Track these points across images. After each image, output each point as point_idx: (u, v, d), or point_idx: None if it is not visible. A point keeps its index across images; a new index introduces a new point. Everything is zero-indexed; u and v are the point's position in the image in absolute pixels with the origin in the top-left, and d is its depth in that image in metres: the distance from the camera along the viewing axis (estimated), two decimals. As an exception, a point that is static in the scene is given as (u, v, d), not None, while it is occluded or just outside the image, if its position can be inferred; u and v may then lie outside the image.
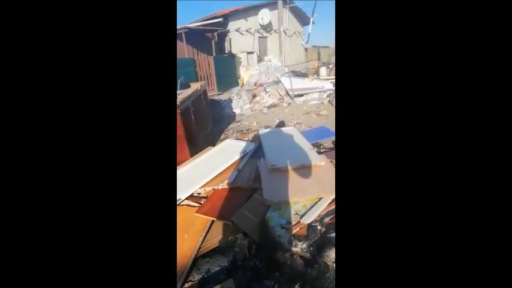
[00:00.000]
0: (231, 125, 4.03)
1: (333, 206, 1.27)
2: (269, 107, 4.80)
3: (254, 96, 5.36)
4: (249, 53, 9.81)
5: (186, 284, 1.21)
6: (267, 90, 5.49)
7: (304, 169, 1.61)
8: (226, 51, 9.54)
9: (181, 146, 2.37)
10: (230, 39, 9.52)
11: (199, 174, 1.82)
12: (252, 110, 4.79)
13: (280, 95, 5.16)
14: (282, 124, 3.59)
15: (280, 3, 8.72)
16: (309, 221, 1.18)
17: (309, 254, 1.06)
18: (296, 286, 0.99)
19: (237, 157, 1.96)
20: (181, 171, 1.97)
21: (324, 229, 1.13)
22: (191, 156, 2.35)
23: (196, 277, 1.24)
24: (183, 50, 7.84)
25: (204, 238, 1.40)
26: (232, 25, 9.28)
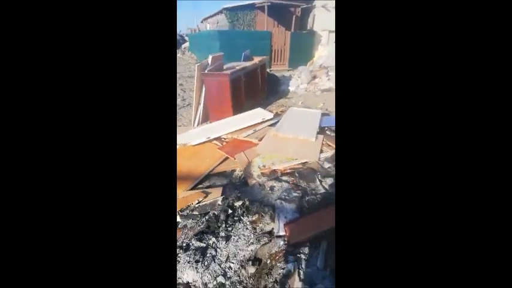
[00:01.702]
0: (280, 100, 4.56)
1: (297, 166, 1.77)
2: (323, 91, 4.99)
3: (314, 77, 5.55)
4: (331, 31, 9.38)
5: (200, 186, 2.02)
6: (329, 73, 5.56)
7: (297, 140, 2.09)
8: (308, 28, 9.44)
9: (227, 106, 3.15)
10: (314, 15, 9.28)
11: (229, 126, 2.56)
12: (306, 91, 5.10)
13: (339, 81, 5.18)
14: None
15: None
16: (274, 168, 1.75)
17: (263, 184, 1.66)
18: (246, 199, 1.63)
19: (259, 121, 2.58)
20: (221, 122, 2.77)
21: (280, 174, 1.69)
22: (233, 115, 3.10)
23: (205, 184, 2.04)
24: (264, 22, 8.35)
25: (218, 165, 2.17)
26: (319, 1, 8.96)
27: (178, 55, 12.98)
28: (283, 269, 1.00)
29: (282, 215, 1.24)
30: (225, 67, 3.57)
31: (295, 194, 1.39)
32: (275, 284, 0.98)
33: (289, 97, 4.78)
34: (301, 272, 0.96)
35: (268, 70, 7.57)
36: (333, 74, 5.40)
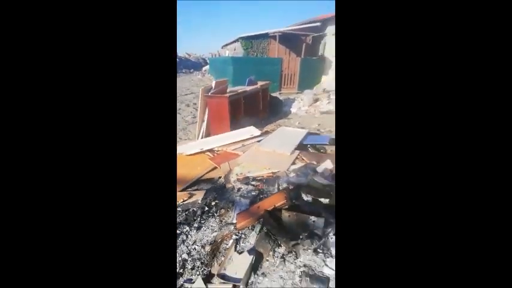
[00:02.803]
0: (280, 121, 4.94)
1: (268, 175, 2.08)
2: (322, 113, 5.30)
3: (316, 100, 5.91)
4: (340, 57, 9.86)
5: (189, 189, 2.39)
6: (331, 97, 5.89)
7: (275, 154, 2.42)
8: (319, 54, 10.03)
9: (225, 122, 3.59)
10: (325, 42, 9.91)
11: (222, 140, 2.96)
12: (306, 112, 5.45)
13: (339, 104, 5.48)
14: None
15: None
16: (248, 175, 2.08)
17: (237, 187, 1.99)
18: (222, 200, 1.96)
19: (247, 137, 2.96)
20: (216, 137, 3.19)
21: (252, 180, 2.01)
22: (230, 131, 3.52)
23: (194, 188, 2.41)
24: (275, 49, 9.08)
25: (207, 172, 2.54)
26: (330, 29, 9.60)
27: (199, 76, 14.18)
28: (226, 244, 1.30)
29: (237, 208, 1.56)
30: (228, 90, 4.07)
31: (253, 193, 1.70)
32: (221, 256, 1.28)
33: (289, 118, 5.16)
34: (238, 246, 1.25)
35: (278, 93, 8.09)
36: (334, 97, 5.73)
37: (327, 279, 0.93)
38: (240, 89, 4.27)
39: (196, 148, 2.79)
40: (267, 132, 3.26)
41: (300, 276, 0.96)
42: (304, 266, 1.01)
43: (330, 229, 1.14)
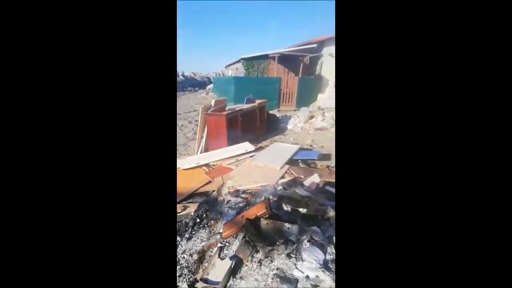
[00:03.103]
0: (276, 137, 5.11)
1: (257, 188, 2.20)
2: (316, 129, 5.48)
3: (311, 117, 6.12)
4: (337, 76, 10.28)
5: (184, 202, 2.51)
6: (325, 114, 6.10)
7: (266, 168, 2.56)
8: (316, 73, 10.46)
9: (223, 139, 3.77)
10: (322, 62, 10.37)
11: (218, 155, 3.12)
12: (301, 129, 5.63)
13: (334, 121, 5.67)
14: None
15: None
16: (239, 188, 2.20)
17: (227, 200, 2.11)
18: (212, 211, 2.07)
19: (242, 152, 3.12)
20: (213, 152, 3.35)
21: (242, 193, 2.14)
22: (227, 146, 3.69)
23: (189, 201, 2.53)
24: (274, 69, 9.53)
25: (202, 186, 2.67)
26: (326, 50, 10.08)
27: (203, 95, 14.72)
28: (211, 252, 1.40)
29: (225, 218, 1.67)
30: (227, 108, 4.31)
31: (240, 205, 1.82)
32: (206, 263, 1.38)
33: (285, 134, 5.34)
34: (221, 253, 1.35)
35: (277, 110, 8.35)
36: (328, 114, 5.94)
37: (296, 280, 1.02)
38: (238, 107, 4.50)
39: (193, 163, 2.94)
40: (261, 148, 3.42)
41: (272, 278, 1.06)
42: (277, 269, 1.10)
43: (304, 236, 1.24)
